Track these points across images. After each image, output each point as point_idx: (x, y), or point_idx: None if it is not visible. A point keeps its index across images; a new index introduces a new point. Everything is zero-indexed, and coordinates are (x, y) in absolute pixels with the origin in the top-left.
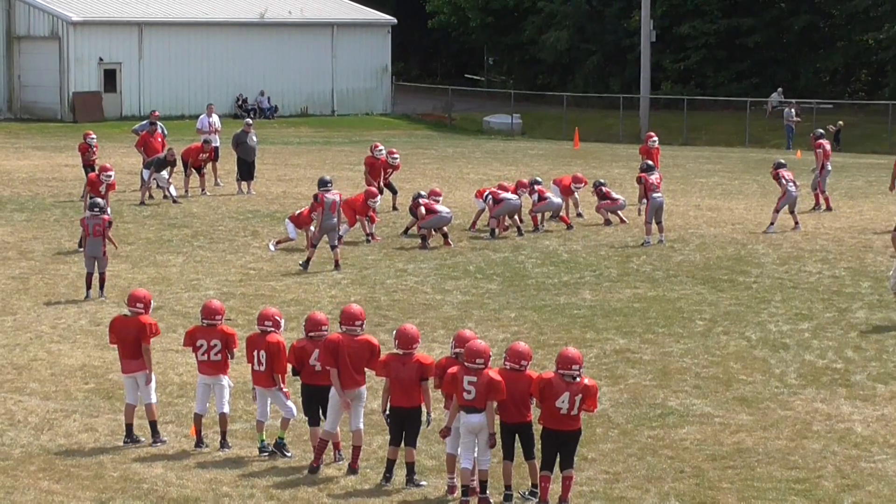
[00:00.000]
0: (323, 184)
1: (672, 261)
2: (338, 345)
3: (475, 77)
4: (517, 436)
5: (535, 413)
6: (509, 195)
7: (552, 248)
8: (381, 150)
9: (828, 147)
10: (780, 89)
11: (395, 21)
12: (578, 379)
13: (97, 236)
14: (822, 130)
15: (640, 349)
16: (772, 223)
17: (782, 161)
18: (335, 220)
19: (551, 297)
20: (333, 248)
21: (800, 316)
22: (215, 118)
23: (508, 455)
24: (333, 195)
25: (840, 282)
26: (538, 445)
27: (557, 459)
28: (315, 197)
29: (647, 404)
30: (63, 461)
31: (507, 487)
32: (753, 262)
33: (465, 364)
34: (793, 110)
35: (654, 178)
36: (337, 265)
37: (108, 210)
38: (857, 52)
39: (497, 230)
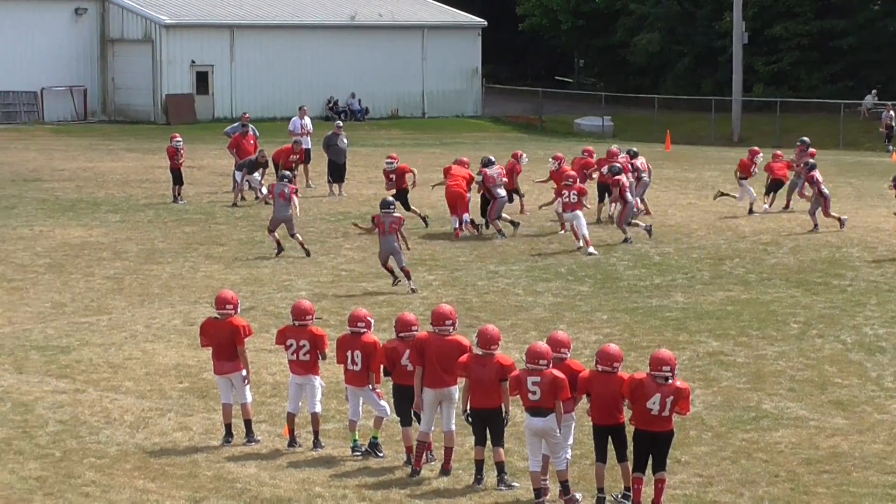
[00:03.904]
0: (280, 178)
1: (765, 264)
2: (424, 343)
3: (565, 79)
4: (610, 438)
5: (627, 416)
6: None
7: (644, 251)
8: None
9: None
10: (874, 91)
11: (486, 23)
12: (670, 381)
13: (392, 233)
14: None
15: (733, 352)
16: (839, 221)
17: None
18: (289, 211)
19: (643, 299)
20: (293, 235)
21: None
22: (307, 120)
23: (601, 457)
24: (284, 185)
25: None
26: (630, 447)
27: (650, 462)
28: (267, 189)
29: (741, 407)
30: (157, 460)
31: (600, 490)
32: (848, 265)
33: (528, 366)
34: (892, 112)
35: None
36: (305, 250)
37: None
38: None
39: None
